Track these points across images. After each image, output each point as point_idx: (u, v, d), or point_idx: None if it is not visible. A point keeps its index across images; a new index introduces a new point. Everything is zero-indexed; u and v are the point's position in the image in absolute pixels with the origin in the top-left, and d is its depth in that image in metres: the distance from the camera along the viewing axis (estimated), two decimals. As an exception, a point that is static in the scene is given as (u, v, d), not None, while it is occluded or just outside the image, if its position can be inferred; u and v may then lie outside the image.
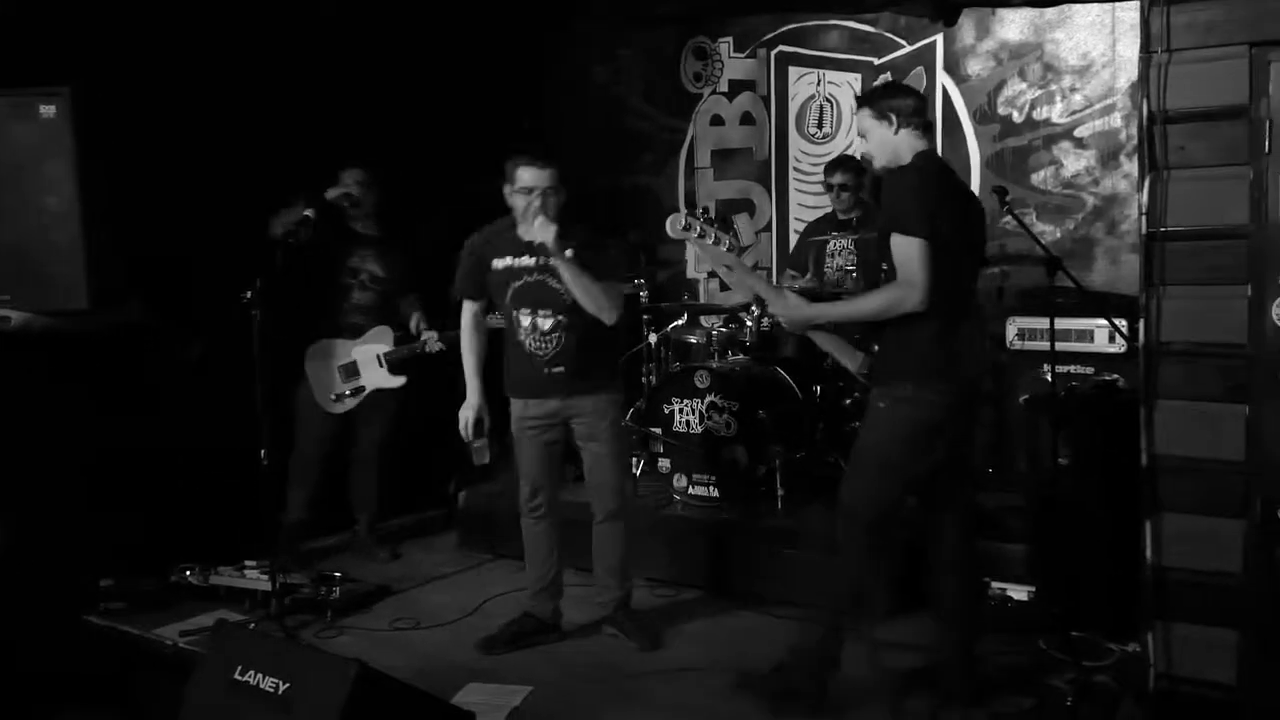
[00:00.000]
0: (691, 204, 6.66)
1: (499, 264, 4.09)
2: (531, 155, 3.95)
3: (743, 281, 4.06)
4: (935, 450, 3.46)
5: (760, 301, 4.20)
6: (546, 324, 4.06)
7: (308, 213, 4.63)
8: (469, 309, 4.25)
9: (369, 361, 5.22)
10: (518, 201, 3.94)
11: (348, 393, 5.21)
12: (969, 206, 3.60)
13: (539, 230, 3.82)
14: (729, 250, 3.56)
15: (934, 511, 3.65)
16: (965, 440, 3.64)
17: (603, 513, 4.26)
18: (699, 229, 3.50)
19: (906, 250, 3.28)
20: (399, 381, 5.24)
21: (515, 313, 4.09)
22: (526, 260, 4.03)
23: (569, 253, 3.87)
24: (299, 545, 5.23)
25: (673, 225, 3.51)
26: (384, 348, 5.22)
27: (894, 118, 3.45)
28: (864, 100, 3.61)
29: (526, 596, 4.37)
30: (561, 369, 4.08)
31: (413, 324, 5.33)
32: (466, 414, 4.22)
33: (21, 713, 4.10)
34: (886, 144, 3.49)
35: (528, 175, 3.92)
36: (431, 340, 5.20)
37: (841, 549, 3.52)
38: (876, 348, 3.52)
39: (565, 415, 4.16)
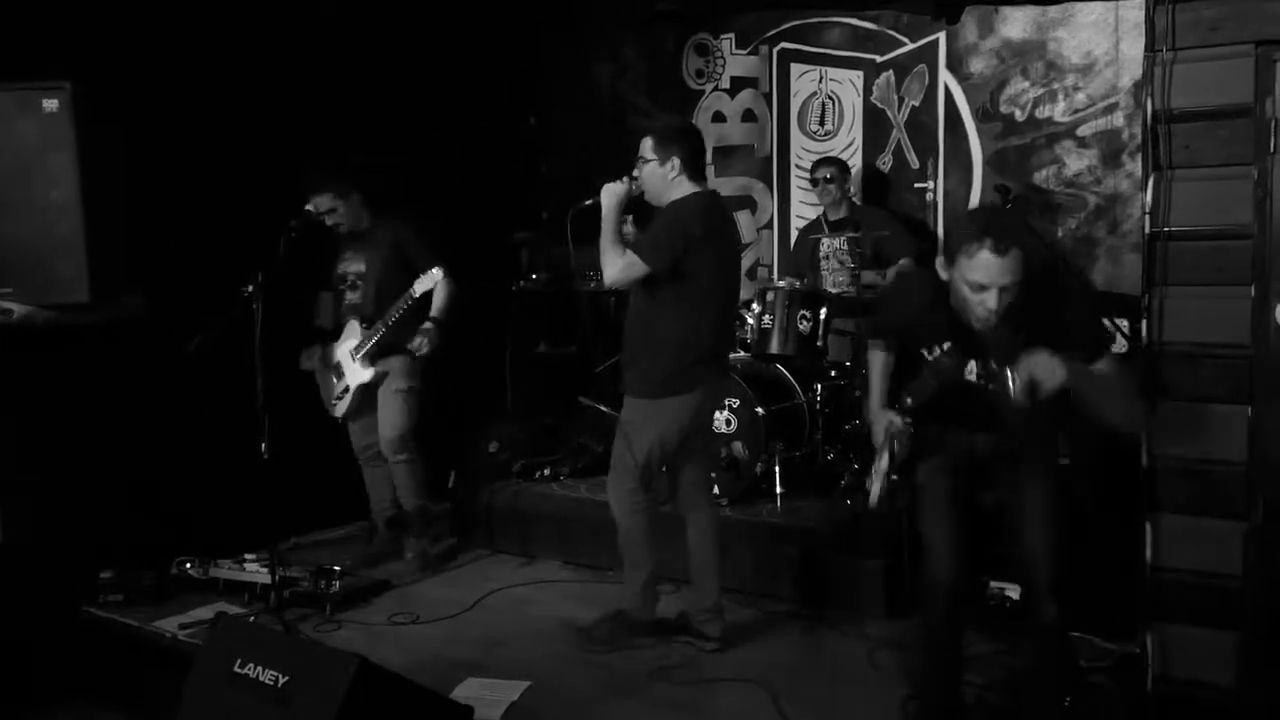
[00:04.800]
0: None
1: None
2: None
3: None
4: None
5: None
6: None
7: (309, 208, 4.76)
8: None
9: (345, 359, 5.07)
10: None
11: (335, 396, 5.13)
12: None
13: None
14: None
15: None
16: None
17: None
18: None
19: None
20: (368, 375, 4.98)
21: None
22: None
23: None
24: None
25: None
26: (353, 343, 5.08)
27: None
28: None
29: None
30: None
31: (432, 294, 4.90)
32: None
33: (21, 703, 4.10)
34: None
35: None
36: (420, 342, 4.87)
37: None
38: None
39: None
